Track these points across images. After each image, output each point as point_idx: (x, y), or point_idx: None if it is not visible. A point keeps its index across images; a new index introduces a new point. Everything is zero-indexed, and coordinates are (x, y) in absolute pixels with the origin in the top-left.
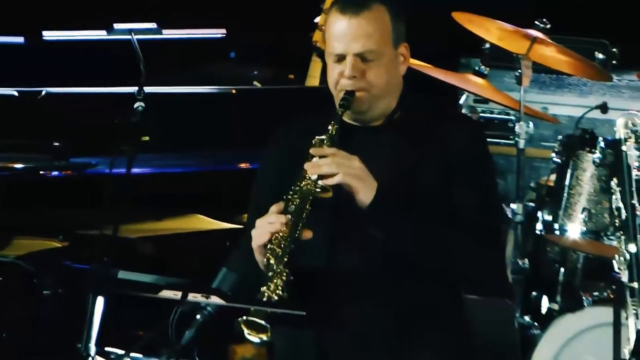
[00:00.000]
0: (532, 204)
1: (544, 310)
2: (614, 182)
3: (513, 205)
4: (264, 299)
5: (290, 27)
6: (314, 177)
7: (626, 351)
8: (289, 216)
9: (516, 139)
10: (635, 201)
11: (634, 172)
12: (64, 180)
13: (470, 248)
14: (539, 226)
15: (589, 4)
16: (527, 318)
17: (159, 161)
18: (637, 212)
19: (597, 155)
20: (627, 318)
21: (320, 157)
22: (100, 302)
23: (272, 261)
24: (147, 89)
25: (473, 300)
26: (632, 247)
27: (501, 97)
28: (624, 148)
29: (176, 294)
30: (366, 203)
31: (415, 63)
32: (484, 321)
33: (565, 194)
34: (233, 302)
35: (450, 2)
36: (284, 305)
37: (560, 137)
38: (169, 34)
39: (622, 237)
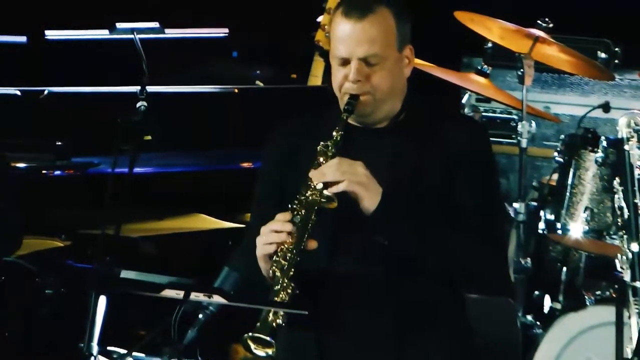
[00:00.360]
0: (534, 203)
1: (546, 309)
2: (616, 182)
3: (515, 205)
4: (270, 317)
5: (293, 26)
6: (320, 185)
7: (629, 350)
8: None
9: (518, 138)
10: (637, 200)
11: (637, 171)
12: (66, 180)
13: (473, 248)
14: (541, 225)
15: (591, 3)
16: (529, 317)
17: (161, 160)
18: None
19: (600, 154)
20: (629, 317)
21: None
22: (102, 301)
23: (277, 274)
24: (150, 89)
25: (475, 300)
26: (635, 246)
27: (503, 96)
28: (626, 147)
29: (178, 294)
30: (371, 210)
31: (418, 62)
32: (486, 320)
33: (567, 193)
34: (235, 302)
35: (452, 1)
36: (287, 305)
37: (562, 136)
38: (171, 33)
39: (625, 237)
